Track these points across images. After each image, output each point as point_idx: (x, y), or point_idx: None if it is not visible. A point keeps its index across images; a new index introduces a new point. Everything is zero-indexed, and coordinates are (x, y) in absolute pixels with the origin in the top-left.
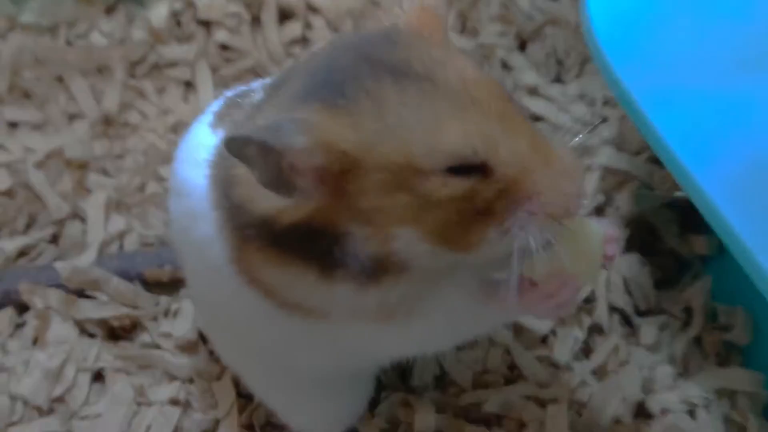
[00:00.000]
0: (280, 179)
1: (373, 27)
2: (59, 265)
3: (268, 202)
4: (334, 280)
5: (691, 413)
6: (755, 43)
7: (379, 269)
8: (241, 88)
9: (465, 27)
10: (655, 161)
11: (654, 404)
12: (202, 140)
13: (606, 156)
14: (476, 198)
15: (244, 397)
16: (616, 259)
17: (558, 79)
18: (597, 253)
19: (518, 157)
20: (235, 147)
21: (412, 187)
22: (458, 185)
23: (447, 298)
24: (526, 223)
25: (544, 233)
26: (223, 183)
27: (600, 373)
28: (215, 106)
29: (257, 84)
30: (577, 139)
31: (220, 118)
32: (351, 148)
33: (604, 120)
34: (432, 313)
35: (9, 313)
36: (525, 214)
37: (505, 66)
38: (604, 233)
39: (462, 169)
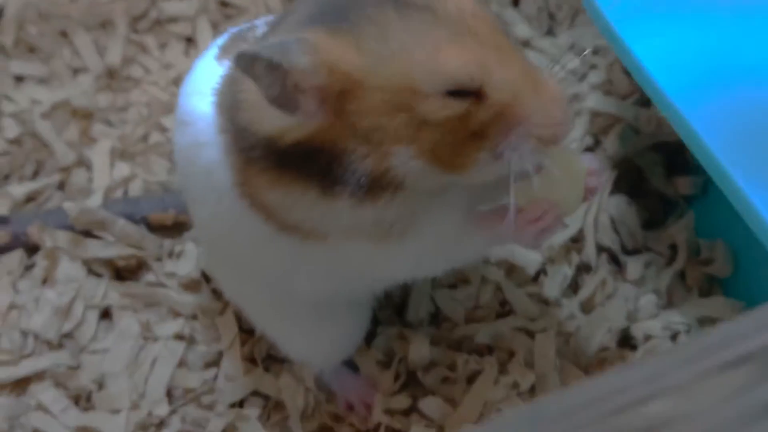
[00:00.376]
0: (284, 96)
1: None
2: (68, 206)
3: (272, 123)
4: (333, 198)
5: (673, 338)
6: None
7: (375, 186)
8: (245, 24)
9: None
10: (642, 104)
11: (638, 332)
12: (207, 71)
13: (594, 100)
14: (471, 120)
15: (245, 332)
16: (598, 191)
17: (550, 32)
18: (579, 183)
19: (511, 83)
20: (244, 63)
21: (411, 108)
22: (455, 107)
23: (438, 220)
24: (517, 146)
25: (533, 155)
26: (228, 108)
27: (587, 306)
28: (220, 40)
29: (261, 21)
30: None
31: (225, 51)
32: (353, 69)
33: (593, 67)
34: (424, 234)
35: (19, 254)
36: (515, 137)
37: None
38: (588, 166)
39: (459, 92)
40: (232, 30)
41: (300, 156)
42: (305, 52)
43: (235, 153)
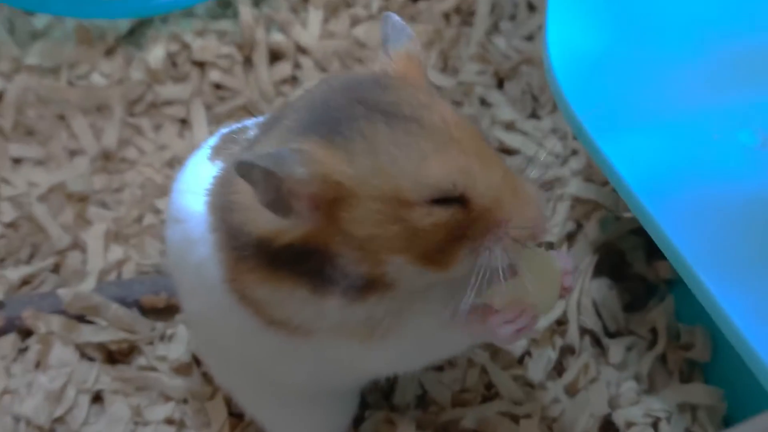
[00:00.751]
0: (279, 201)
1: (363, 71)
2: (62, 292)
3: (265, 224)
4: (323, 296)
5: (655, 426)
6: (703, 82)
7: (368, 287)
8: (235, 125)
9: (446, 66)
10: None
11: (619, 418)
12: (200, 172)
13: (575, 186)
14: (455, 224)
15: (235, 416)
16: (572, 290)
17: (533, 115)
18: (555, 284)
19: (491, 189)
20: (242, 169)
21: (401, 217)
22: (441, 214)
23: (421, 318)
24: (494, 245)
25: (509, 254)
26: (221, 208)
27: (571, 390)
28: (211, 141)
29: (251, 121)
30: (545, 172)
31: (217, 152)
32: (345, 180)
33: (574, 153)
34: (407, 332)
35: (12, 338)
36: (494, 237)
37: (484, 102)
38: (563, 266)
39: (443, 200)
40: (223, 131)
41: (291, 256)
42: (300, 162)
43: (226, 251)
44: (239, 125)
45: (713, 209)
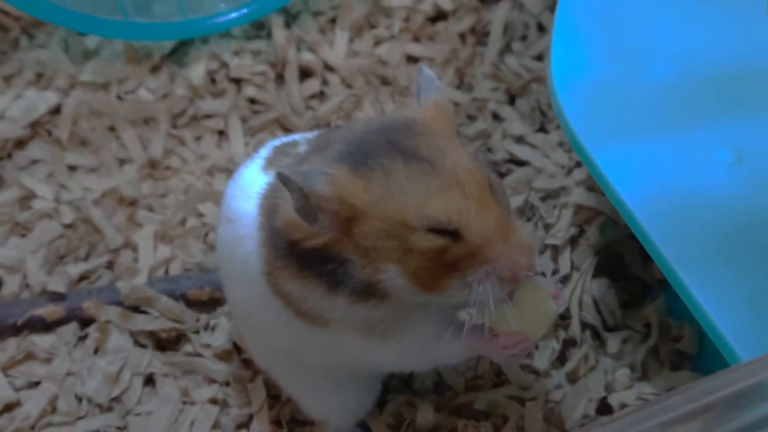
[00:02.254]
0: (306, 210)
1: (399, 115)
2: (120, 285)
3: (297, 229)
4: (335, 295)
5: None
6: (688, 103)
7: (367, 292)
8: (286, 139)
9: (462, 83)
10: None
11: (614, 400)
12: (253, 179)
13: (578, 195)
14: (447, 254)
15: (273, 397)
16: (561, 302)
17: (542, 129)
18: (547, 309)
19: (483, 230)
20: (282, 179)
21: (401, 237)
22: (434, 241)
23: (419, 327)
24: (482, 281)
25: (495, 291)
26: (268, 211)
27: (572, 377)
28: (264, 152)
29: (299, 136)
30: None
31: (269, 163)
32: (359, 203)
33: (578, 164)
34: (405, 336)
35: (73, 327)
36: (482, 274)
37: (496, 117)
38: (552, 291)
39: (439, 231)
40: (275, 143)
41: (315, 258)
42: (325, 183)
43: (267, 247)
44: (289, 139)
45: (693, 217)
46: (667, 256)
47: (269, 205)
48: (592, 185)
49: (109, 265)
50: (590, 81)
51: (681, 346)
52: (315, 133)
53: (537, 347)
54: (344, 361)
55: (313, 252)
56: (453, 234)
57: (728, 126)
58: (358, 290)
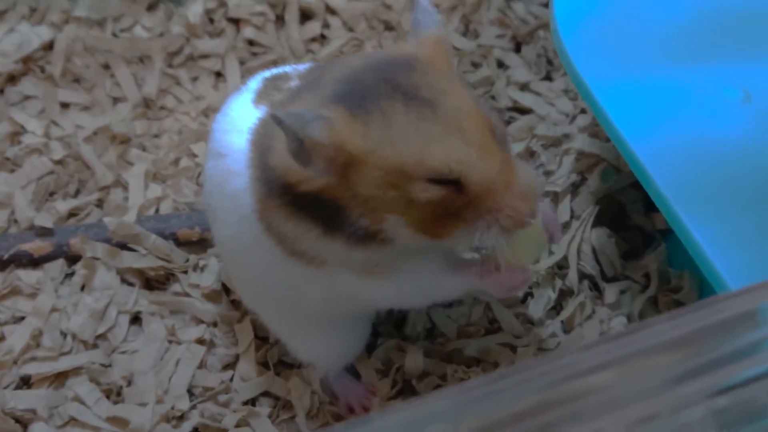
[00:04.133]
0: (301, 153)
1: (396, 49)
2: (107, 220)
3: (292, 172)
4: (332, 238)
5: None
6: (697, 44)
7: (368, 238)
8: (276, 70)
9: (467, 30)
10: None
11: None
12: (243, 113)
13: (581, 141)
14: (449, 204)
15: (260, 339)
16: (557, 237)
17: (547, 77)
18: (542, 240)
19: (485, 180)
20: (275, 121)
21: (401, 187)
22: (435, 192)
23: (417, 264)
24: (485, 228)
25: (498, 235)
26: (260, 148)
27: (567, 326)
28: (254, 84)
29: (290, 69)
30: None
31: (260, 96)
32: (356, 150)
33: (583, 111)
34: (403, 274)
35: (60, 263)
36: (485, 221)
37: (501, 65)
38: (549, 225)
39: (440, 180)
40: (264, 74)
41: (311, 201)
42: (321, 127)
43: (259, 185)
44: (280, 71)
45: (698, 158)
46: (669, 197)
47: (261, 141)
48: (595, 132)
49: (99, 203)
50: (594, 21)
51: (680, 297)
52: (307, 65)
53: (533, 295)
54: (339, 299)
55: (309, 195)
56: (454, 183)
57: (736, 65)
58: (357, 235)
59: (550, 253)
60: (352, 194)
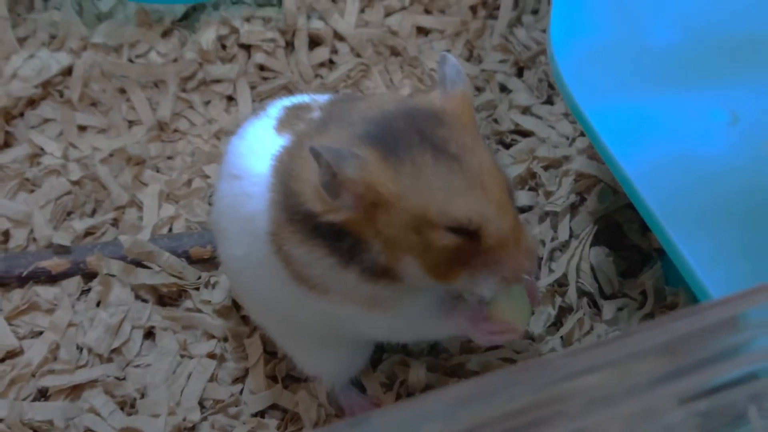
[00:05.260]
0: (331, 186)
1: (427, 100)
2: (122, 238)
3: (318, 201)
4: (345, 270)
5: None
6: (687, 67)
7: (381, 274)
8: (296, 99)
9: (471, 55)
10: None
11: None
12: (263, 138)
13: (580, 163)
14: (461, 251)
15: (269, 353)
16: (537, 298)
17: (548, 101)
18: (527, 304)
19: (500, 234)
20: (313, 152)
21: (422, 232)
22: (452, 240)
23: (416, 304)
24: (489, 276)
25: (497, 287)
26: (283, 174)
27: (566, 341)
28: (275, 111)
29: (309, 98)
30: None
31: (282, 124)
32: (386, 193)
33: (582, 134)
34: (401, 312)
35: (77, 280)
36: (490, 271)
37: (504, 89)
38: (528, 287)
39: (459, 230)
40: (284, 102)
41: (330, 232)
42: (355, 166)
43: (277, 209)
44: (300, 101)
45: (688, 178)
46: (659, 217)
47: (285, 169)
48: (594, 154)
49: (115, 222)
50: (589, 44)
51: None
52: (326, 96)
53: (533, 312)
54: (336, 326)
55: (330, 225)
56: (471, 234)
57: (724, 88)
58: (371, 270)
59: (550, 271)
60: (374, 231)
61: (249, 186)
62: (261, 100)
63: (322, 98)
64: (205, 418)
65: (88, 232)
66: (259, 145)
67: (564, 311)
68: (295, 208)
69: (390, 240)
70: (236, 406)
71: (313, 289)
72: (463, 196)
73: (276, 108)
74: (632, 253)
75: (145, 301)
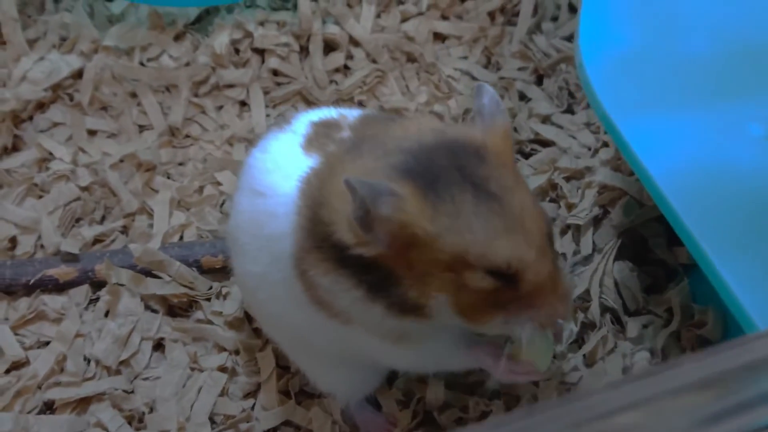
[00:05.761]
0: (365, 221)
1: (467, 133)
2: (133, 246)
3: (349, 233)
4: (372, 303)
5: None
6: (720, 79)
7: (410, 310)
8: (324, 115)
9: (489, 62)
10: None
11: None
12: (290, 156)
13: (603, 175)
14: (497, 294)
15: (282, 368)
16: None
17: (569, 110)
18: (551, 346)
19: (538, 280)
20: (348, 185)
21: (458, 272)
22: (489, 283)
23: (437, 339)
24: (523, 322)
25: (531, 330)
26: (312, 199)
27: (589, 359)
28: (301, 127)
29: (337, 114)
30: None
31: (310, 143)
32: (423, 234)
33: (605, 145)
34: (422, 346)
35: (85, 289)
36: (525, 316)
37: (523, 97)
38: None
39: (496, 273)
40: (311, 117)
41: (360, 264)
42: (393, 206)
43: (304, 234)
44: (327, 116)
45: (721, 192)
46: (694, 233)
47: (314, 194)
48: (618, 165)
49: (124, 230)
50: (618, 53)
51: (704, 332)
52: (354, 111)
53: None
54: (353, 353)
55: (359, 258)
56: (508, 277)
57: (759, 100)
58: (399, 305)
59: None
60: (406, 267)
61: (273, 205)
62: (275, 106)
63: (351, 114)
64: None
65: (97, 240)
66: (285, 162)
67: (586, 327)
68: (324, 236)
69: (422, 278)
70: (248, 422)
71: (335, 317)
72: (503, 239)
73: (302, 123)
74: (657, 268)
75: (154, 311)
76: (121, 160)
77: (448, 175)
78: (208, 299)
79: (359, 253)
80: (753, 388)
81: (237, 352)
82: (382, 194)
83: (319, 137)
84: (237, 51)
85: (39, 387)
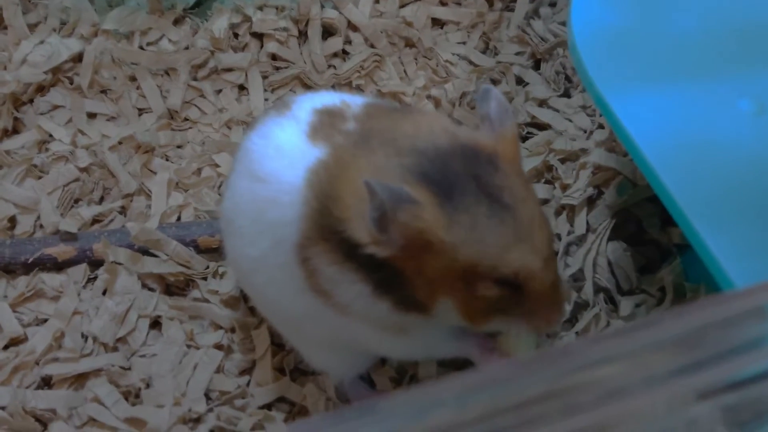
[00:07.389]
0: (381, 222)
1: (479, 138)
2: (130, 225)
3: (363, 232)
4: (379, 299)
5: None
6: (711, 56)
7: (415, 308)
8: (325, 101)
9: (487, 47)
10: None
11: None
12: (293, 143)
13: (597, 155)
14: (501, 300)
15: (277, 345)
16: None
17: (566, 94)
18: (534, 338)
19: (542, 288)
20: (368, 187)
21: (467, 281)
22: (496, 291)
23: (431, 330)
24: (520, 324)
25: (528, 333)
26: (322, 192)
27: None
28: (304, 114)
29: (339, 100)
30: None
31: (315, 132)
32: (438, 242)
33: (600, 126)
34: (416, 335)
35: (83, 268)
36: (525, 320)
37: (520, 81)
38: None
39: (503, 281)
40: (312, 102)
41: (370, 262)
42: (410, 213)
43: (310, 224)
44: (330, 103)
45: (713, 169)
46: (684, 208)
47: (323, 187)
48: (612, 146)
49: (122, 210)
50: (611, 33)
51: None
52: (356, 99)
53: None
54: (345, 338)
55: (370, 256)
56: (514, 285)
57: (750, 76)
58: (404, 303)
59: (566, 266)
60: (416, 269)
61: (276, 193)
62: (273, 90)
63: (352, 101)
64: (210, 410)
65: (96, 220)
66: (289, 150)
67: (580, 307)
68: (333, 229)
69: (431, 282)
70: (243, 398)
71: (333, 306)
72: (514, 252)
73: (304, 110)
74: (651, 248)
75: (151, 290)
76: (120, 143)
77: (464, 183)
78: (205, 278)
79: (372, 252)
80: (727, 342)
81: (233, 330)
82: (402, 200)
83: (324, 127)
84: (236, 35)
85: (37, 363)
